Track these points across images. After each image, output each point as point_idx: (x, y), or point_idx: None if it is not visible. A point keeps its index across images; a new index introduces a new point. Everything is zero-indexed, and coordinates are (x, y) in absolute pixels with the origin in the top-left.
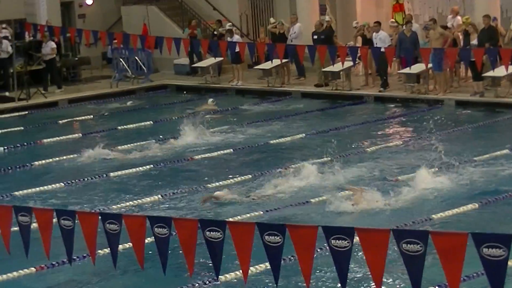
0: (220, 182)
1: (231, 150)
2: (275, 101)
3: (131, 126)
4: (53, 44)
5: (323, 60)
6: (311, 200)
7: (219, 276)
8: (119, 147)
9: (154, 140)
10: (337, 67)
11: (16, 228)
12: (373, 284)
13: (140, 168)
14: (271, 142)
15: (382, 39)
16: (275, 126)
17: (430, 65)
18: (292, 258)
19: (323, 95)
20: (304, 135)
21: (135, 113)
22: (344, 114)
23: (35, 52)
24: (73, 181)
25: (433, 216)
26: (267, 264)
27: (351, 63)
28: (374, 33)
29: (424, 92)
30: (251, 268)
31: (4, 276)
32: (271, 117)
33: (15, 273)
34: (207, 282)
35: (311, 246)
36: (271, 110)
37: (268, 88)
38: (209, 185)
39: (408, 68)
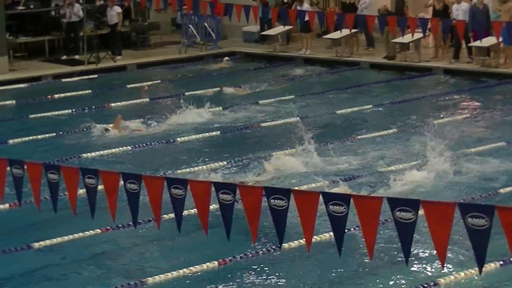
0: (285, 150)
1: (297, 118)
2: (343, 71)
3: (198, 92)
4: (118, 9)
5: (393, 31)
6: (378, 170)
7: (283, 244)
8: (185, 113)
9: (221, 107)
10: (406, 38)
11: (83, 190)
12: (437, 257)
13: (207, 134)
14: (338, 112)
15: (464, 10)
16: (342, 96)
17: (501, 39)
18: (356, 228)
19: (392, 67)
20: (371, 106)
21: (202, 79)
22: (412, 86)
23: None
24: (140, 145)
25: (501, 190)
26: (331, 233)
27: (421, 35)
28: (455, 4)
29: (494, 66)
30: (314, 237)
31: (70, 236)
32: (339, 87)
33: (80, 234)
34: (270, 249)
35: (375, 217)
36: (339, 80)
37: (337, 58)
38: (274, 152)
39: (479, 41)
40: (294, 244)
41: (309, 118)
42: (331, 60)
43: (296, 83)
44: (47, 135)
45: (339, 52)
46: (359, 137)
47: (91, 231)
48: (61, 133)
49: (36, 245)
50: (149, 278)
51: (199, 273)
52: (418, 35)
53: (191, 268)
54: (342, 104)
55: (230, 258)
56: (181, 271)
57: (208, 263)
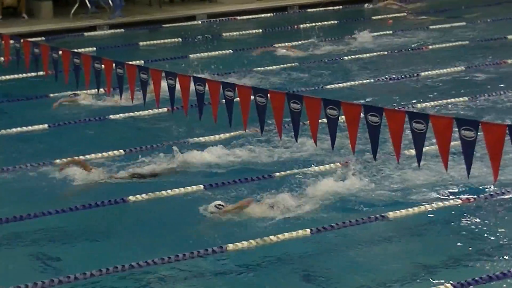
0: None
1: None
2: None
3: (444, 26)
4: None
5: None
6: None
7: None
8: (431, 47)
9: (467, 41)
10: None
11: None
12: None
13: (448, 70)
14: None
15: None
16: None
17: None
18: None
19: None
20: None
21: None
22: None
23: None
24: (383, 78)
25: None
26: None
27: None
28: None
29: None
30: None
31: (306, 169)
32: None
33: (320, 168)
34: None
35: (500, 144)
36: None
37: None
38: None
39: None
40: None
41: None
42: None
43: None
44: (292, 65)
45: None
46: None
47: (331, 165)
48: (304, 63)
49: (277, 175)
50: (390, 212)
51: (441, 210)
52: None
53: (433, 204)
54: None
55: (474, 197)
56: (422, 207)
57: (451, 200)
